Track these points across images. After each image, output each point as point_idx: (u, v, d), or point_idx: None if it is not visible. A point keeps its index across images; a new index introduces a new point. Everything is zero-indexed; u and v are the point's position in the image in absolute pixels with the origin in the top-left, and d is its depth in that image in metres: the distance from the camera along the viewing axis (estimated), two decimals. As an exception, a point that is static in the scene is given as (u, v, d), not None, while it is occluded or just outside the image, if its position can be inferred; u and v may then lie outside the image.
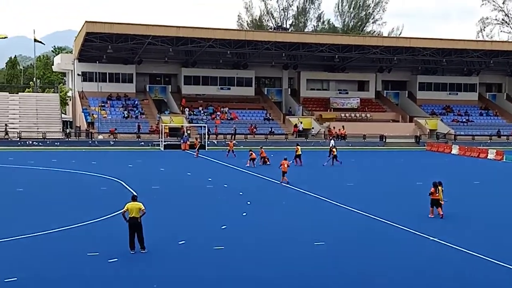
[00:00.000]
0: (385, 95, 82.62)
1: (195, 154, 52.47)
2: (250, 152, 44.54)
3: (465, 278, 17.12)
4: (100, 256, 18.59)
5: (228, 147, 52.99)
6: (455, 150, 60.76)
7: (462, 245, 20.43)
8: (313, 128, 70.80)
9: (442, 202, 25.51)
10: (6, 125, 64.45)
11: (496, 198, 31.66)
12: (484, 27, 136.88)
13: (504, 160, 52.86)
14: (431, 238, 21.35)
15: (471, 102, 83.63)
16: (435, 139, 71.38)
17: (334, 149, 47.00)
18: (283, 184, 34.78)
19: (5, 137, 62.85)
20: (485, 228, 23.99)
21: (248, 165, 43.50)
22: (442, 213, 25.24)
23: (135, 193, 21.67)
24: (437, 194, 25.25)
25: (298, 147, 46.65)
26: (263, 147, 48.15)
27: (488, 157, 55.37)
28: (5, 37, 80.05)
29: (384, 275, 17.32)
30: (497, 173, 44.19)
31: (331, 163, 45.80)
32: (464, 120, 78.73)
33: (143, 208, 19.26)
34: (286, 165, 35.46)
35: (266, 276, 16.98)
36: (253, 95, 77.76)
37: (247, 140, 65.32)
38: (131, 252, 18.95)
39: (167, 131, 63.83)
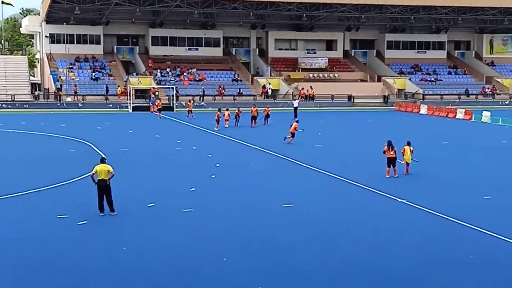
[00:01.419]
0: (353, 55, 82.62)
1: (158, 115, 52.45)
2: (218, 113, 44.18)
3: (430, 239, 17.62)
4: (69, 219, 18.69)
5: (187, 108, 53.23)
6: (423, 109, 61.12)
7: (429, 206, 20.93)
8: (282, 93, 70.45)
9: (402, 162, 25.93)
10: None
11: (464, 158, 32.22)
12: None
13: (473, 120, 53.41)
14: (400, 200, 21.79)
15: (440, 61, 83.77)
16: (403, 99, 71.88)
17: (267, 109, 47.88)
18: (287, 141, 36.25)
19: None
20: (451, 188, 24.52)
21: (216, 128, 43.12)
22: (396, 174, 25.65)
23: (103, 155, 21.68)
24: (391, 153, 25.55)
25: (254, 108, 46.57)
26: (229, 109, 47.27)
27: (457, 116, 55.68)
28: None
29: (348, 234, 17.73)
30: (466, 133, 44.76)
31: (263, 123, 46.41)
32: (432, 79, 79.10)
33: (112, 170, 19.29)
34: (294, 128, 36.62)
35: (235, 238, 17.25)
36: (221, 56, 77.25)
37: (215, 101, 65.14)
38: (100, 214, 19.06)
39: (119, 92, 63.58)
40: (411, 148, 26.22)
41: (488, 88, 75.56)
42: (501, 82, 76.65)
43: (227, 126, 44.29)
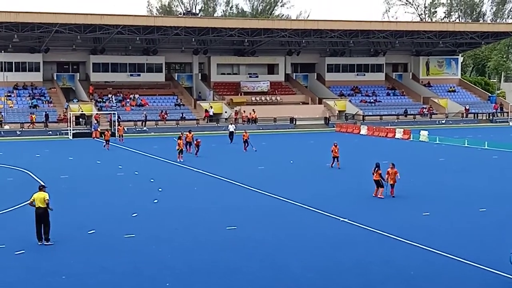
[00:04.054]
0: (294, 78, 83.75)
1: (106, 146, 48.03)
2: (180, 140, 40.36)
3: (370, 256, 17.90)
4: (6, 249, 18.21)
5: (118, 132, 54.25)
6: (363, 130, 62.35)
7: (371, 225, 21.28)
8: (225, 112, 71.09)
9: (386, 182, 26.21)
10: None
11: (403, 177, 32.76)
12: (389, 8, 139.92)
13: (411, 139, 54.62)
14: (341, 219, 22.08)
15: (378, 83, 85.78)
16: (344, 120, 73.12)
17: (246, 134, 46.26)
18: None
19: None
20: (392, 206, 25.01)
21: (180, 159, 39.26)
22: (381, 196, 25.95)
23: (42, 183, 21.24)
24: (375, 175, 26.09)
25: (189, 133, 44.25)
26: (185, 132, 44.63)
27: (396, 136, 56.93)
28: None
29: (295, 257, 17.84)
30: (405, 152, 45.43)
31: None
32: (372, 100, 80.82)
33: (47, 198, 18.87)
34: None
35: (178, 263, 17.12)
36: (163, 81, 77.05)
37: (157, 126, 64.83)
38: (39, 243, 18.65)
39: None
40: (388, 170, 26.39)
41: (425, 108, 77.65)
42: (437, 102, 78.91)
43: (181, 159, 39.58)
